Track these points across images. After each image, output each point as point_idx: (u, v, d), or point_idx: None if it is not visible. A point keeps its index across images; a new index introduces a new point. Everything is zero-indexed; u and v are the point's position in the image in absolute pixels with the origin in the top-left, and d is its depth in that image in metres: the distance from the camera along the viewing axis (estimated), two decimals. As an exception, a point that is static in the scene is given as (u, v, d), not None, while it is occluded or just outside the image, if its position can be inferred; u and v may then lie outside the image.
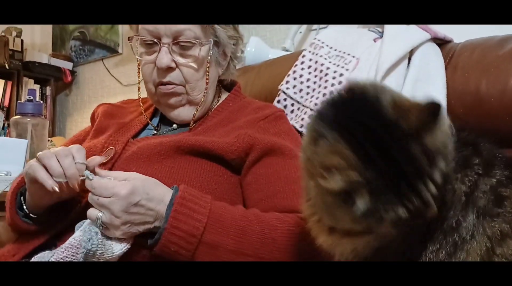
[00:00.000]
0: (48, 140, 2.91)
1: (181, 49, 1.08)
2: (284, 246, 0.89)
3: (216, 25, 1.10)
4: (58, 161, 0.89)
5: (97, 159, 0.93)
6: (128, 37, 1.13)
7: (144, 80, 1.13)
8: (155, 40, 1.07)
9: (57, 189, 0.88)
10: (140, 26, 1.09)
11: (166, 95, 1.11)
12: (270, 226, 0.90)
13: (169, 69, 1.08)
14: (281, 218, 0.92)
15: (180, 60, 1.08)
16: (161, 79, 1.09)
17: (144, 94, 1.18)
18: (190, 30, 1.06)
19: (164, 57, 1.06)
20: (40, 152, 0.91)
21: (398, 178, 0.57)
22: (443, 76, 1.18)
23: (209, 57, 1.10)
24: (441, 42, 1.29)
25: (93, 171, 0.90)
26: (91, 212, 0.85)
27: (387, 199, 0.57)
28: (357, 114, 0.61)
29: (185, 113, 1.13)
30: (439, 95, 1.16)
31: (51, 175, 0.88)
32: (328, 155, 0.59)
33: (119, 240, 0.86)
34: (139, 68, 1.15)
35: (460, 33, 1.31)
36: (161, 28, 1.05)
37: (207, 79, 1.12)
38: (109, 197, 0.83)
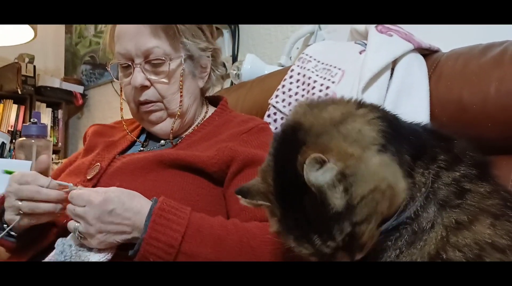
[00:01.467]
0: (59, 162, 2.98)
1: (153, 67, 1.12)
2: (263, 254, 0.90)
3: (185, 40, 1.13)
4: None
5: (42, 158, 0.99)
6: (105, 65, 1.18)
7: (127, 101, 1.18)
8: (129, 63, 1.12)
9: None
10: (115, 50, 1.14)
11: (147, 113, 1.15)
12: (249, 234, 0.92)
13: (144, 88, 1.12)
14: (260, 227, 0.93)
15: (153, 77, 1.12)
16: (138, 99, 1.13)
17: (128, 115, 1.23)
18: (159, 48, 1.11)
19: (138, 77, 1.11)
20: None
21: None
22: (426, 86, 1.18)
23: (182, 71, 1.14)
24: (427, 53, 1.29)
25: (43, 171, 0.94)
26: (70, 223, 0.88)
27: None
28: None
29: (166, 126, 1.17)
30: (422, 105, 1.16)
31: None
32: None
33: (98, 250, 0.88)
34: (121, 91, 1.20)
35: (450, 43, 1.32)
36: (132, 49, 1.10)
37: (181, 91, 1.15)
38: (84, 206, 0.86)
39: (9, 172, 1.01)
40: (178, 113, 1.15)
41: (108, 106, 3.26)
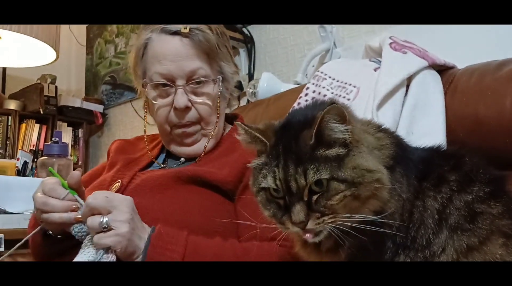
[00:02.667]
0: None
1: (194, 88, 1.13)
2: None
3: (221, 62, 1.16)
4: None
5: (74, 174, 0.97)
6: (143, 84, 1.18)
7: (160, 123, 1.18)
8: (170, 84, 1.12)
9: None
10: (152, 70, 1.14)
11: (184, 135, 1.16)
12: (244, 250, 0.94)
13: (187, 109, 1.13)
14: (258, 246, 0.95)
15: (195, 99, 1.13)
16: (180, 120, 1.14)
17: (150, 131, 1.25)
18: (202, 69, 1.12)
19: (182, 98, 1.11)
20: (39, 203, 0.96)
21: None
22: (442, 102, 1.19)
23: (219, 93, 1.16)
24: (442, 69, 1.30)
25: (76, 186, 0.96)
26: (93, 219, 0.88)
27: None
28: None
29: (199, 147, 1.18)
30: (438, 120, 1.16)
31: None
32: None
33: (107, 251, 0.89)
34: (145, 111, 1.22)
35: (466, 60, 1.32)
36: (175, 70, 1.11)
37: (217, 113, 1.17)
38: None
39: (52, 171, 1.03)
40: (213, 133, 1.17)
41: (130, 125, 3.31)
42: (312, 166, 0.65)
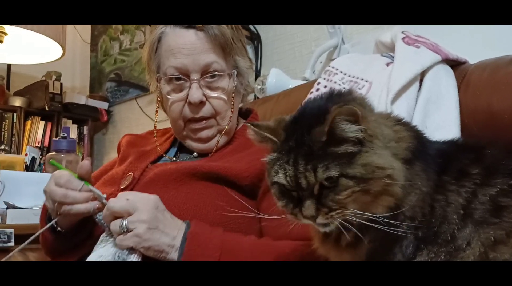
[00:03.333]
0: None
1: (209, 82, 1.12)
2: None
3: (236, 57, 1.15)
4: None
5: (84, 163, 0.97)
6: (157, 78, 1.17)
7: (173, 118, 1.17)
8: (184, 78, 1.11)
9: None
10: (166, 64, 1.13)
11: (198, 130, 1.15)
12: (280, 256, 0.92)
13: (201, 104, 1.12)
14: (292, 246, 0.94)
15: (210, 93, 1.12)
16: (194, 115, 1.13)
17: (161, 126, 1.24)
18: (217, 63, 1.11)
19: (196, 93, 1.10)
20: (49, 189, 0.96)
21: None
22: (455, 96, 1.18)
23: (234, 87, 1.15)
24: (454, 64, 1.29)
25: (87, 176, 0.96)
26: (114, 223, 0.89)
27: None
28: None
29: (213, 143, 1.17)
30: (452, 115, 1.16)
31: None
32: None
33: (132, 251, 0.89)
34: (157, 107, 1.21)
35: (476, 55, 1.32)
36: (189, 64, 1.10)
37: (232, 108, 1.16)
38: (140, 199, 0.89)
39: (54, 164, 1.03)
40: (226, 129, 1.16)
41: (135, 123, 3.31)
42: (322, 164, 0.66)
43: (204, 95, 1.12)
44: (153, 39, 1.15)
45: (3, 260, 1.00)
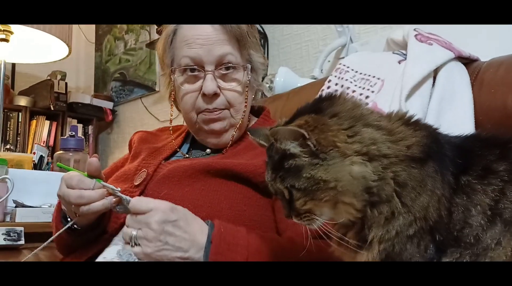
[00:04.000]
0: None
1: (223, 74, 1.11)
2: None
3: (251, 51, 1.14)
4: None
5: (91, 161, 0.96)
6: (171, 69, 1.15)
7: (186, 110, 1.15)
8: (199, 68, 1.10)
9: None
10: (180, 55, 1.12)
11: (211, 120, 1.13)
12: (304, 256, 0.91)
13: (215, 96, 1.11)
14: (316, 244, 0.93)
15: (224, 85, 1.11)
16: (207, 107, 1.11)
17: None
18: (232, 55, 1.10)
19: (210, 84, 1.09)
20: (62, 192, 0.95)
21: None
22: (469, 94, 1.18)
23: (248, 81, 1.14)
24: (466, 61, 1.29)
25: (97, 173, 0.95)
26: (127, 230, 0.87)
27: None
28: None
29: (227, 137, 1.16)
30: (466, 112, 1.16)
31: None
32: None
33: None
34: (172, 99, 1.19)
35: (486, 53, 1.32)
36: (204, 54, 1.08)
37: (245, 102, 1.15)
38: (148, 211, 0.85)
39: (62, 166, 1.02)
40: (240, 123, 1.15)
41: (140, 122, 3.31)
42: (279, 175, 0.72)
43: (219, 86, 1.10)
44: (168, 32, 1.14)
45: (25, 259, 1.00)
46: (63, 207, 1.01)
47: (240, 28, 1.10)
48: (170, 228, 0.85)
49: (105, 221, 1.04)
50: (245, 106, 1.15)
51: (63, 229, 0.99)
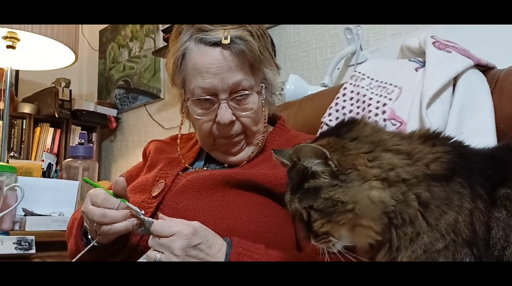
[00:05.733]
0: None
1: (237, 101, 1.08)
2: None
3: (265, 69, 1.12)
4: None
5: (119, 181, 0.95)
6: (183, 99, 1.13)
7: (202, 135, 1.14)
8: (213, 98, 1.07)
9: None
10: (193, 84, 1.09)
11: (229, 145, 1.13)
12: None
13: (231, 124, 1.09)
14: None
15: (239, 113, 1.09)
16: (225, 134, 1.10)
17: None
18: (246, 80, 1.07)
19: (226, 113, 1.07)
20: (87, 208, 0.94)
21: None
22: (490, 101, 1.17)
23: (263, 101, 1.13)
24: (484, 69, 1.28)
25: (123, 192, 0.94)
26: (151, 253, 0.86)
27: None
28: None
29: (244, 155, 1.15)
30: (487, 120, 1.15)
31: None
32: None
33: None
34: (183, 114, 1.18)
35: (502, 60, 1.31)
36: (218, 84, 1.05)
37: (264, 122, 1.14)
38: (171, 236, 0.85)
39: (89, 182, 1.01)
40: (260, 144, 1.14)
41: (144, 130, 3.29)
42: (297, 196, 0.73)
43: (234, 114, 1.09)
44: (177, 54, 1.10)
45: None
46: (85, 224, 0.99)
47: (252, 51, 1.06)
48: (192, 252, 0.86)
49: (125, 239, 1.03)
50: (265, 126, 1.14)
51: (86, 249, 0.97)
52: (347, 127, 0.77)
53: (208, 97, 1.07)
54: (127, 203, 0.93)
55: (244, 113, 1.09)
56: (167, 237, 0.85)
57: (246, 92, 1.08)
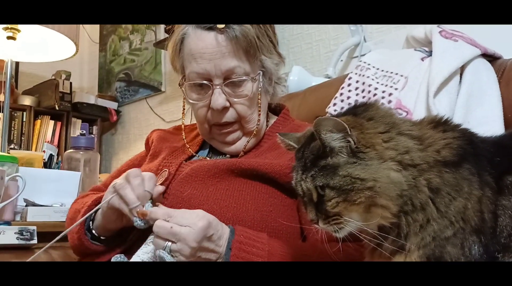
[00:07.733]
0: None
1: (232, 87, 1.07)
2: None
3: (263, 56, 1.10)
4: (132, 189, 0.93)
5: (159, 189, 0.96)
6: (179, 83, 1.13)
7: (198, 121, 1.14)
8: (207, 83, 1.06)
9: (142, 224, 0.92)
10: (188, 69, 1.08)
11: (223, 133, 1.12)
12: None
13: (224, 109, 1.08)
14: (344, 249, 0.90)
15: (233, 99, 1.07)
16: (217, 121, 1.09)
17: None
18: (240, 67, 1.06)
19: (219, 99, 1.06)
20: (117, 182, 0.95)
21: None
22: (497, 91, 1.16)
23: (259, 89, 1.11)
24: (491, 59, 1.27)
25: (158, 200, 0.95)
26: (158, 241, 0.85)
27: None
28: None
29: (240, 145, 1.14)
30: (494, 109, 1.14)
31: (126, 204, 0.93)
32: None
33: None
34: (184, 108, 1.18)
35: (509, 50, 1.30)
36: (212, 69, 1.05)
37: (259, 110, 1.12)
38: (186, 226, 0.84)
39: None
40: (255, 133, 1.12)
41: (145, 123, 3.28)
42: (311, 174, 0.70)
43: (228, 100, 1.07)
44: (176, 40, 1.10)
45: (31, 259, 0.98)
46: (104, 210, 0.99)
47: (247, 36, 1.04)
48: (205, 243, 0.86)
49: (127, 234, 1.03)
50: (259, 114, 1.12)
51: (91, 212, 0.99)
52: (362, 107, 0.76)
53: (203, 82, 1.07)
54: (150, 209, 0.92)
55: (238, 100, 1.08)
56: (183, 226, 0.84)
57: (240, 78, 1.06)
